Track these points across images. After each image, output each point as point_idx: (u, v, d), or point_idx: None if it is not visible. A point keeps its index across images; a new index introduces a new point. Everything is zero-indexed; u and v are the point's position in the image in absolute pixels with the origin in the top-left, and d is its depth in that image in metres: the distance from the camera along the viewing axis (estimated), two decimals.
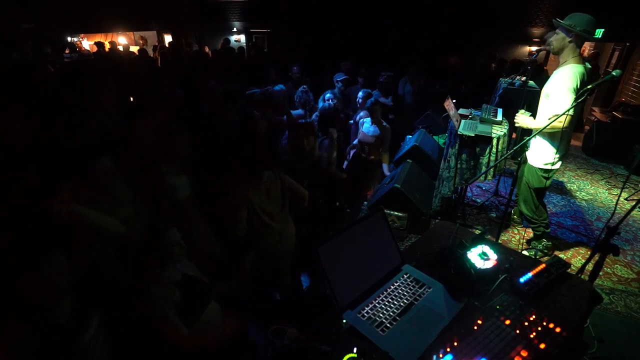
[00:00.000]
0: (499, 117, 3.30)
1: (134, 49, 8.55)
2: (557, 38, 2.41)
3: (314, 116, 3.60)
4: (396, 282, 1.31)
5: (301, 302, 2.47)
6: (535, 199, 2.78)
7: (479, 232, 1.57)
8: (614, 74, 1.90)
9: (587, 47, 7.94)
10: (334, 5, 8.98)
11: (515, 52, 8.15)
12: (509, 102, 4.08)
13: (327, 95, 4.20)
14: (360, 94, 3.83)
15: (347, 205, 3.78)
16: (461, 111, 3.48)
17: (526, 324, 1.13)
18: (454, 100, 3.46)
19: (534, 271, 1.33)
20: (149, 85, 3.68)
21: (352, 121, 3.91)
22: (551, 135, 2.51)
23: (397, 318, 1.15)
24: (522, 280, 1.29)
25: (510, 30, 8.00)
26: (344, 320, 1.14)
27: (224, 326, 1.67)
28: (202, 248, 2.16)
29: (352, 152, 3.85)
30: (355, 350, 1.01)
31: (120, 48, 8.57)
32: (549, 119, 2.29)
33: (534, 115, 2.67)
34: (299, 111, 3.73)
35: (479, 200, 3.91)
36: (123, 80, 4.18)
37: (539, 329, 1.11)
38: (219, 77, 4.80)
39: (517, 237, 3.27)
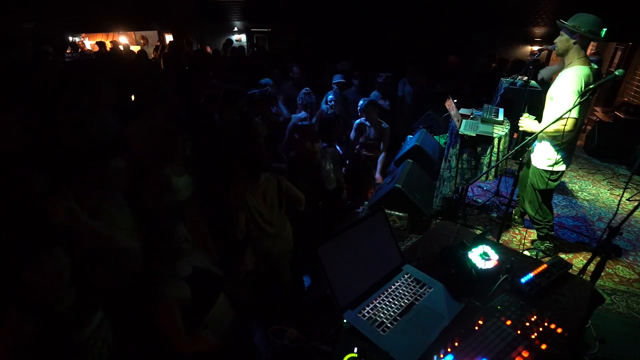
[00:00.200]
0: (501, 117, 3.29)
1: (135, 48, 8.56)
2: (561, 39, 2.38)
3: (314, 119, 3.59)
4: (397, 282, 1.30)
5: (301, 302, 2.47)
6: (541, 200, 2.74)
7: (480, 232, 1.57)
8: (616, 73, 1.89)
9: (591, 47, 7.91)
10: (334, 5, 8.97)
11: (517, 52, 8.14)
12: (510, 102, 4.07)
13: (330, 97, 4.20)
14: (360, 102, 3.77)
15: (347, 205, 3.78)
16: (462, 111, 3.47)
17: (527, 324, 1.12)
18: (455, 100, 3.45)
19: (535, 271, 1.33)
20: (148, 85, 3.68)
21: (354, 125, 3.86)
22: (555, 138, 2.47)
23: (398, 318, 1.15)
24: (523, 280, 1.28)
25: (512, 30, 7.98)
26: (345, 320, 1.14)
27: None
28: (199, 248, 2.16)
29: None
30: (355, 350, 1.00)
31: (122, 48, 8.58)
32: (555, 122, 2.24)
33: (537, 117, 2.65)
34: (302, 114, 3.72)
35: (479, 201, 3.91)
36: (123, 80, 4.18)
37: (540, 329, 1.11)
38: (221, 76, 4.80)
39: (518, 237, 3.26)
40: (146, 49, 9.57)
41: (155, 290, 1.51)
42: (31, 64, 4.67)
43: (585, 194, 4.18)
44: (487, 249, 1.40)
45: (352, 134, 3.78)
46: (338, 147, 3.27)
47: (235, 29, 10.71)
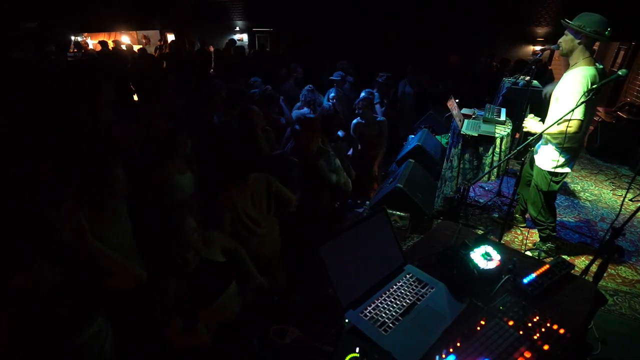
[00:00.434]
0: (503, 117, 3.28)
1: (137, 47, 8.58)
2: (565, 39, 2.33)
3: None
4: (399, 282, 1.30)
5: (302, 302, 2.47)
6: (544, 201, 2.72)
7: (482, 232, 1.57)
8: (620, 73, 1.87)
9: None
10: (335, 5, 8.97)
11: (519, 52, 8.11)
12: (512, 102, 4.06)
13: (332, 95, 4.19)
14: (362, 94, 3.80)
15: (348, 205, 3.78)
16: (464, 111, 3.46)
17: (530, 325, 1.12)
18: (457, 100, 3.44)
19: (538, 272, 1.32)
20: (149, 84, 3.69)
21: (352, 126, 3.86)
22: (558, 139, 2.43)
23: (400, 318, 1.15)
24: (525, 281, 1.28)
25: (514, 30, 7.96)
26: (346, 320, 1.14)
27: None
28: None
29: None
30: (357, 350, 1.00)
31: (124, 47, 8.60)
32: (559, 124, 2.20)
33: (542, 118, 2.63)
34: (305, 110, 3.72)
35: (481, 201, 3.90)
36: (124, 79, 4.19)
37: (543, 330, 1.10)
38: (223, 76, 4.80)
39: (520, 237, 3.25)
40: (148, 48, 9.60)
41: (155, 289, 1.52)
42: (32, 63, 4.68)
43: (587, 194, 4.17)
44: (489, 249, 1.39)
45: (352, 134, 3.79)
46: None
47: (237, 28, 10.72)
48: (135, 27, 10.43)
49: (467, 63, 6.75)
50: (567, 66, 2.46)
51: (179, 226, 1.57)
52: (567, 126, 2.19)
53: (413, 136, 4.53)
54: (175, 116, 3.10)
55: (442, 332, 1.10)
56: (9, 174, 1.72)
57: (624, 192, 4.13)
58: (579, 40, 2.27)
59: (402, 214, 3.20)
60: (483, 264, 1.33)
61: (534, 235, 3.16)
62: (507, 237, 3.23)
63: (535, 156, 2.71)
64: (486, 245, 1.41)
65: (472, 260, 1.31)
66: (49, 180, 1.77)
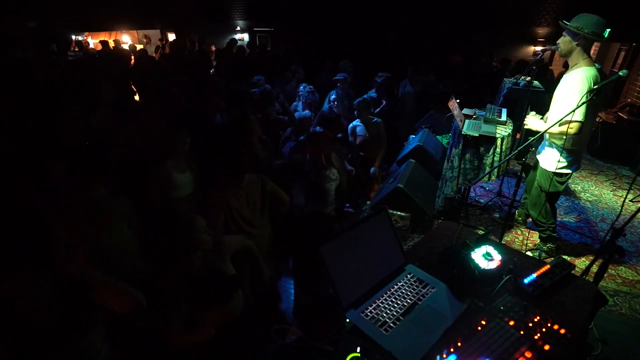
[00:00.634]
0: (503, 117, 3.29)
1: (138, 47, 8.58)
2: (564, 41, 2.34)
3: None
4: (399, 282, 1.30)
5: (304, 302, 2.47)
6: (545, 202, 2.71)
7: (482, 232, 1.57)
8: (620, 74, 1.88)
9: (593, 48, 7.89)
10: (336, 5, 8.97)
11: (520, 52, 8.11)
12: (513, 102, 4.06)
13: (332, 97, 4.19)
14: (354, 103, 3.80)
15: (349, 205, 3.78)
16: (465, 111, 3.47)
17: (530, 325, 1.12)
18: (458, 100, 3.44)
19: (538, 272, 1.33)
20: (150, 84, 3.70)
21: (349, 129, 3.86)
22: (560, 140, 2.44)
23: (401, 318, 1.15)
24: (526, 281, 1.28)
25: (515, 30, 7.96)
26: (347, 320, 1.14)
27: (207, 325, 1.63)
28: None
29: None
30: (358, 349, 1.00)
31: (126, 47, 8.61)
32: (559, 125, 2.21)
33: (543, 117, 2.63)
34: (306, 112, 3.71)
35: (482, 201, 3.90)
36: (125, 78, 4.19)
37: (543, 330, 1.10)
38: (224, 76, 4.80)
39: (520, 238, 3.26)
40: (148, 47, 9.60)
41: (158, 288, 1.52)
42: (33, 63, 4.69)
43: (588, 194, 4.17)
44: (489, 249, 1.40)
45: (350, 138, 3.78)
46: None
47: (238, 28, 10.72)
48: (136, 26, 10.42)
49: (468, 63, 6.75)
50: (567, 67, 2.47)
51: (187, 225, 1.56)
52: (568, 127, 2.19)
53: (414, 136, 4.53)
54: (179, 115, 3.10)
55: (443, 332, 1.10)
56: (11, 174, 1.72)
57: (624, 192, 4.13)
58: (577, 42, 2.28)
59: (402, 214, 3.20)
60: (484, 264, 1.33)
61: (535, 236, 3.16)
62: (507, 238, 3.23)
63: (538, 157, 2.71)
64: (487, 246, 1.41)
65: (473, 261, 1.32)
66: (59, 180, 1.75)
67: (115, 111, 2.92)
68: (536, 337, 1.08)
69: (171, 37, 10.74)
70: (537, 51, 7.64)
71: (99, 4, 8.54)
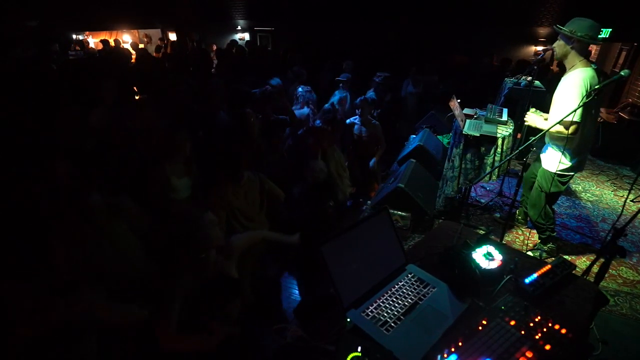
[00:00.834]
0: (504, 117, 3.28)
1: (140, 46, 8.59)
2: (559, 44, 2.38)
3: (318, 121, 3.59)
4: (400, 282, 1.30)
5: (304, 301, 2.47)
6: (544, 203, 2.71)
7: (483, 232, 1.57)
8: (622, 74, 1.87)
9: (595, 49, 7.86)
10: (336, 5, 8.97)
11: (521, 52, 8.10)
12: (514, 102, 4.06)
13: (335, 99, 4.19)
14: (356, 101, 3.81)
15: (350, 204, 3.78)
16: (466, 111, 3.46)
17: (531, 324, 1.12)
18: (459, 100, 3.44)
19: (539, 272, 1.32)
20: (151, 83, 3.70)
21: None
22: (562, 140, 2.43)
23: (401, 317, 1.15)
24: (527, 281, 1.28)
25: (516, 30, 7.95)
26: (348, 319, 1.14)
27: (212, 332, 1.60)
28: None
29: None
30: (359, 349, 1.00)
31: (128, 46, 8.61)
32: (561, 124, 2.24)
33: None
34: (305, 110, 3.72)
35: (482, 201, 3.90)
36: (126, 78, 4.19)
37: (544, 330, 1.10)
38: (225, 76, 4.80)
39: (521, 237, 3.25)
40: (149, 47, 9.60)
41: (165, 287, 1.50)
42: (34, 62, 4.69)
43: (588, 195, 4.16)
44: (490, 249, 1.39)
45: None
46: None
47: (239, 27, 10.72)
48: (136, 26, 10.42)
49: (470, 63, 6.75)
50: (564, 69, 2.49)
51: (199, 219, 1.55)
52: (565, 127, 2.21)
53: (414, 136, 4.53)
54: (180, 115, 3.10)
55: (444, 331, 1.10)
56: (11, 174, 1.72)
57: (625, 192, 4.13)
58: (571, 45, 2.32)
59: (403, 213, 3.20)
60: (485, 264, 1.33)
61: (535, 236, 3.15)
62: (508, 238, 3.23)
63: (542, 156, 2.71)
64: (488, 245, 1.41)
65: (473, 260, 1.32)
66: (59, 180, 1.74)
67: (115, 111, 2.92)
68: (537, 337, 1.08)
69: (172, 36, 10.74)
70: (538, 51, 7.61)
71: (99, 3, 8.54)
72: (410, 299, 1.23)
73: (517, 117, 3.59)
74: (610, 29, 6.64)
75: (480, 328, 1.11)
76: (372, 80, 4.73)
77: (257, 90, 3.65)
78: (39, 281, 1.23)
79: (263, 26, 10.60)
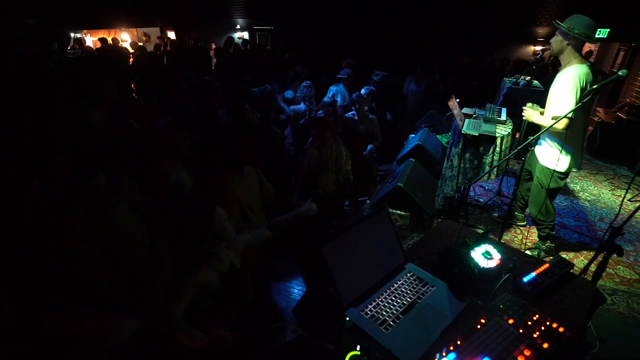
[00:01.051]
0: (503, 117, 3.29)
1: (139, 45, 8.55)
2: (555, 40, 2.45)
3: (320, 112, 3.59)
4: (399, 281, 1.31)
5: (304, 300, 2.47)
6: (546, 200, 2.74)
7: (482, 231, 1.57)
8: (620, 74, 1.89)
9: (592, 47, 7.89)
10: (336, 5, 8.96)
11: (520, 52, 8.12)
12: (513, 102, 4.07)
13: (329, 95, 4.18)
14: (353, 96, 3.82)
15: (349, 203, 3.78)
16: (465, 110, 3.47)
17: (529, 323, 1.13)
18: (458, 100, 3.45)
19: (538, 271, 1.33)
20: (150, 82, 3.69)
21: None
22: (559, 136, 2.49)
23: (400, 316, 1.16)
24: (525, 279, 1.29)
25: (515, 30, 7.96)
26: (347, 318, 1.15)
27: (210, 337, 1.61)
28: None
29: None
30: (358, 348, 1.01)
31: (127, 45, 8.58)
32: (552, 119, 2.32)
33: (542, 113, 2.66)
34: (302, 106, 3.72)
35: (481, 200, 3.91)
36: (125, 77, 4.18)
37: (542, 328, 1.11)
38: (225, 75, 4.79)
39: (519, 237, 3.27)
40: (147, 45, 9.56)
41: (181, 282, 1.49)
42: (34, 61, 4.67)
43: (586, 194, 4.18)
44: (489, 248, 1.40)
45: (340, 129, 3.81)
46: None
47: (238, 26, 10.70)
48: (136, 24, 10.38)
49: (472, 62, 6.76)
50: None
51: (209, 212, 1.56)
52: (560, 123, 2.27)
53: (413, 135, 4.54)
54: (180, 114, 3.09)
55: (443, 330, 1.11)
56: (11, 174, 1.72)
57: (623, 192, 4.15)
58: (567, 42, 2.37)
59: (402, 213, 3.21)
60: (483, 263, 1.34)
61: (534, 235, 3.17)
62: (506, 237, 3.24)
63: (537, 152, 2.74)
64: (486, 244, 1.41)
65: (472, 259, 1.32)
66: (59, 178, 1.75)
67: (115, 110, 2.91)
68: (535, 336, 1.08)
69: (170, 35, 10.70)
70: (537, 51, 7.64)
71: (99, 2, 8.51)
72: (409, 297, 1.23)
73: (516, 116, 3.60)
74: (609, 29, 6.66)
75: (478, 327, 1.11)
76: (370, 79, 4.73)
77: (256, 89, 3.65)
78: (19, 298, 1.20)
79: (262, 25, 10.58)
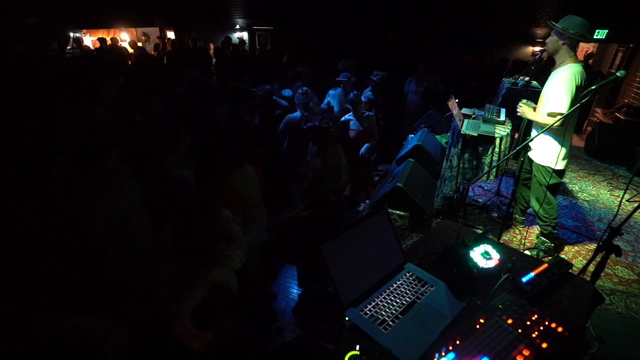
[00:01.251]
0: (502, 117, 3.30)
1: (138, 45, 8.54)
2: (551, 40, 2.54)
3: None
4: (399, 281, 1.31)
5: (304, 300, 2.48)
6: (549, 195, 2.78)
7: (481, 231, 1.58)
8: (618, 74, 1.90)
9: (592, 49, 7.91)
10: (336, 5, 8.96)
11: (519, 52, 8.13)
12: (512, 102, 4.07)
13: (328, 99, 4.18)
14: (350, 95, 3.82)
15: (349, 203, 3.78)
16: (464, 111, 3.48)
17: (528, 323, 1.13)
18: (457, 100, 3.45)
19: (536, 271, 1.34)
20: (150, 81, 3.68)
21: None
22: (557, 133, 2.56)
23: (400, 316, 1.16)
24: (524, 279, 1.29)
25: (514, 30, 7.98)
26: (347, 318, 1.15)
27: (218, 328, 1.61)
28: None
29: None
30: (358, 347, 1.01)
31: (126, 44, 8.56)
32: (547, 115, 2.42)
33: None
34: (297, 114, 3.71)
35: (480, 200, 3.91)
36: (126, 75, 4.17)
37: (541, 328, 1.11)
38: (223, 75, 4.78)
39: (518, 237, 3.27)
40: (147, 45, 9.56)
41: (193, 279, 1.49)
42: (32, 61, 4.66)
43: (585, 194, 4.19)
44: (488, 248, 1.40)
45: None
46: None
47: (238, 26, 10.70)
48: (136, 24, 10.37)
49: (473, 62, 6.77)
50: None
51: (215, 217, 1.56)
52: (552, 120, 2.36)
53: (413, 135, 4.54)
54: (181, 113, 3.09)
55: (442, 330, 1.11)
56: (11, 174, 1.72)
57: (621, 192, 4.16)
58: (562, 41, 2.46)
59: (401, 213, 3.21)
60: (482, 263, 1.34)
61: (533, 235, 3.18)
62: (505, 237, 3.25)
63: (531, 155, 2.76)
64: (485, 245, 1.42)
65: (471, 259, 1.33)
66: (63, 179, 1.76)
67: (116, 109, 2.91)
68: (534, 335, 1.09)
69: (169, 35, 10.69)
70: (536, 52, 7.66)
71: (99, 1, 8.50)
72: (409, 297, 1.23)
73: (515, 117, 3.61)
74: (607, 30, 6.67)
75: (478, 326, 1.12)
76: (370, 79, 4.73)
77: (256, 89, 3.65)
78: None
79: (262, 25, 10.58)
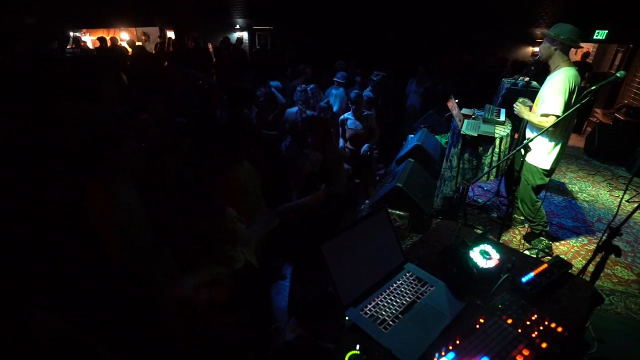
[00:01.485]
0: (502, 118, 3.30)
1: (138, 44, 8.54)
2: (543, 46, 2.61)
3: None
4: (399, 280, 1.31)
5: (304, 299, 2.48)
6: (533, 196, 2.85)
7: (481, 231, 1.58)
8: (618, 75, 1.90)
9: (590, 48, 7.92)
10: (336, 5, 8.96)
11: (520, 53, 8.14)
12: (512, 102, 4.07)
13: (328, 98, 4.19)
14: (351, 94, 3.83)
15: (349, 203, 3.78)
16: (464, 111, 3.48)
17: (528, 323, 1.13)
18: (457, 100, 3.45)
19: (536, 271, 1.34)
20: (150, 81, 3.69)
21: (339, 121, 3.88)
22: (552, 134, 2.60)
23: (400, 316, 1.16)
24: (524, 280, 1.29)
25: (514, 31, 7.98)
26: (347, 318, 1.15)
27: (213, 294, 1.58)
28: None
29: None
30: (358, 347, 1.01)
31: (125, 44, 8.55)
32: (542, 115, 2.50)
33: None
34: (294, 109, 3.72)
35: (480, 200, 3.92)
36: (126, 75, 4.17)
37: (541, 328, 1.12)
38: (223, 75, 4.79)
39: (518, 237, 3.27)
40: (147, 45, 9.55)
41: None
42: (33, 60, 4.66)
43: (584, 195, 4.20)
44: (488, 248, 1.41)
45: (339, 130, 3.82)
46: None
47: (238, 26, 10.70)
48: (136, 23, 10.36)
49: (474, 62, 6.77)
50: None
51: (220, 212, 1.55)
52: (547, 122, 2.44)
53: (413, 135, 4.54)
54: (181, 113, 3.10)
55: (442, 330, 1.11)
56: (11, 174, 1.72)
57: (621, 193, 4.16)
58: (555, 47, 2.54)
59: (401, 213, 3.21)
60: (482, 263, 1.34)
61: (529, 231, 3.17)
62: (505, 237, 3.25)
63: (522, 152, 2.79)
64: (485, 245, 1.42)
65: (471, 259, 1.33)
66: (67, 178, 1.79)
67: (115, 108, 2.91)
68: (534, 335, 1.09)
69: (169, 34, 10.68)
70: (536, 52, 7.66)
71: (99, 1, 8.50)
72: (409, 297, 1.24)
73: (515, 117, 3.62)
74: (607, 31, 6.68)
75: (477, 326, 1.12)
76: (370, 79, 4.74)
77: (257, 89, 3.66)
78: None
79: (262, 25, 10.58)
